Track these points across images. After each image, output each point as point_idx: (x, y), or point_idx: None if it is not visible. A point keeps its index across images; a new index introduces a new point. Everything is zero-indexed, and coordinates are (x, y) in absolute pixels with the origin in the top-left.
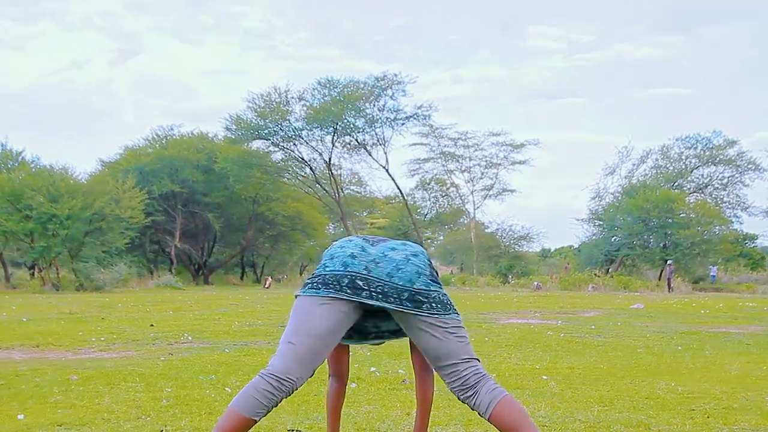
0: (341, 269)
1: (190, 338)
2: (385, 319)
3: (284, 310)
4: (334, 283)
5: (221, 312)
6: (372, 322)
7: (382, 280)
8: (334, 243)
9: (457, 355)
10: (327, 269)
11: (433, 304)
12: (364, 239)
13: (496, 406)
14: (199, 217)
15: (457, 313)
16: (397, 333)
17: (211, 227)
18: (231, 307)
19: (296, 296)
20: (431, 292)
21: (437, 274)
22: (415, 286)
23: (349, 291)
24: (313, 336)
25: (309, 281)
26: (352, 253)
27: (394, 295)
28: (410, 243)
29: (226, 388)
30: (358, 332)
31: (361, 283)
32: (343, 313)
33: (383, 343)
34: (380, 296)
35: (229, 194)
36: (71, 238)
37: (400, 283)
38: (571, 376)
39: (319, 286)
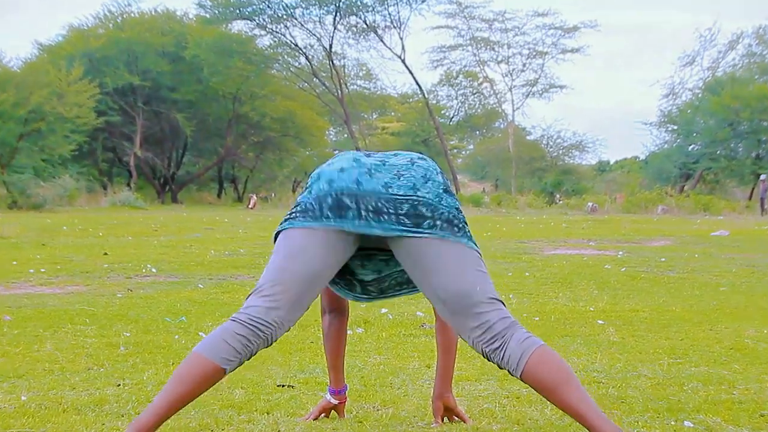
0: (325, 188)
1: (154, 270)
2: (388, 261)
3: (271, 236)
4: (315, 207)
5: (193, 238)
6: (371, 266)
7: (377, 192)
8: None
9: (475, 294)
10: (310, 193)
11: (438, 222)
12: (356, 152)
13: (528, 359)
14: (165, 118)
15: (471, 240)
16: (409, 283)
17: (181, 131)
18: (205, 232)
19: (274, 234)
20: (440, 207)
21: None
22: (419, 194)
23: (330, 215)
24: (293, 277)
25: (289, 212)
26: (342, 167)
27: (390, 210)
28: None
29: (200, 333)
30: (356, 283)
31: (347, 200)
32: (328, 247)
33: (389, 296)
34: (371, 215)
35: (203, 90)
36: (1, 143)
37: (400, 192)
38: (634, 320)
39: (296, 215)
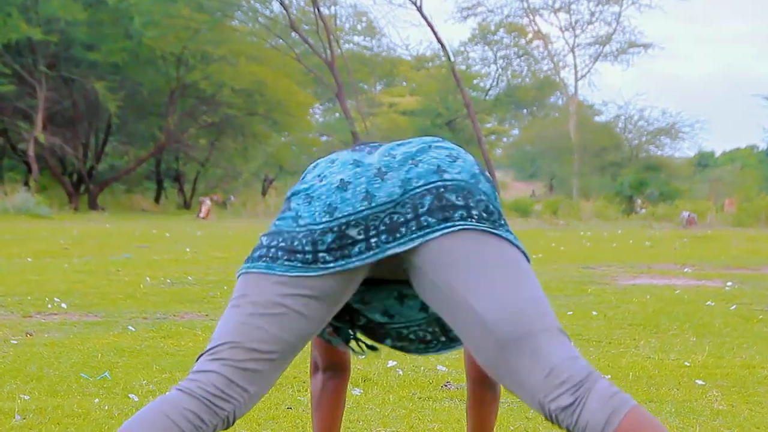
0: (324, 220)
1: (63, 306)
2: (404, 296)
3: (233, 258)
4: (305, 249)
5: (121, 260)
6: (377, 304)
7: (393, 199)
8: (308, 169)
9: (535, 320)
10: (296, 222)
11: (474, 213)
12: (353, 150)
13: (619, 427)
14: (79, 88)
15: (517, 240)
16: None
17: (102, 108)
18: (138, 252)
19: (239, 275)
20: (477, 191)
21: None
22: (446, 177)
23: (329, 258)
24: (264, 339)
25: (261, 245)
26: (342, 179)
27: (408, 215)
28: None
29: (130, 395)
30: (362, 318)
31: (354, 232)
32: (320, 299)
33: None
34: (382, 237)
35: (134, 48)
36: None
37: (420, 183)
38: (748, 381)
39: (275, 253)
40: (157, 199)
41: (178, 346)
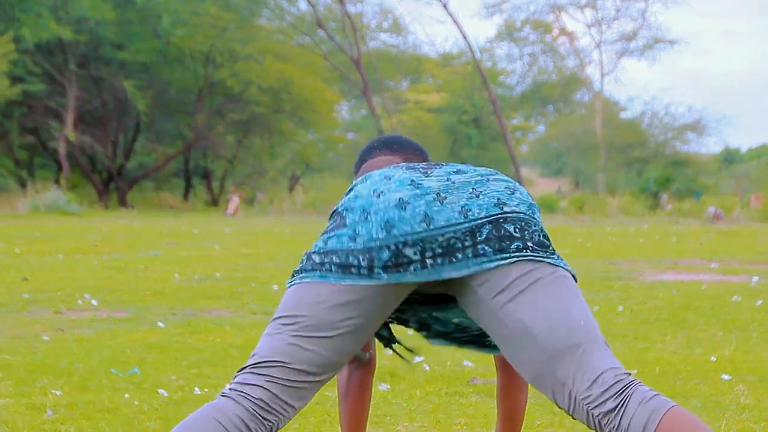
0: (381, 236)
1: (93, 302)
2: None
3: (260, 254)
4: (362, 264)
5: (149, 257)
6: (414, 316)
7: (453, 225)
8: (357, 182)
9: (581, 334)
10: (353, 239)
11: (530, 244)
12: (408, 169)
13: (658, 427)
14: (109, 87)
15: (566, 264)
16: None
17: (131, 106)
18: (167, 249)
19: (289, 285)
20: (533, 223)
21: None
22: (506, 209)
23: (383, 273)
24: (314, 359)
25: (313, 262)
26: (400, 198)
27: (467, 243)
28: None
29: (159, 390)
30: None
31: (410, 251)
32: (372, 311)
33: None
34: (438, 260)
35: (162, 48)
36: None
37: (482, 215)
38: None
39: (329, 266)
40: (185, 196)
41: (206, 342)
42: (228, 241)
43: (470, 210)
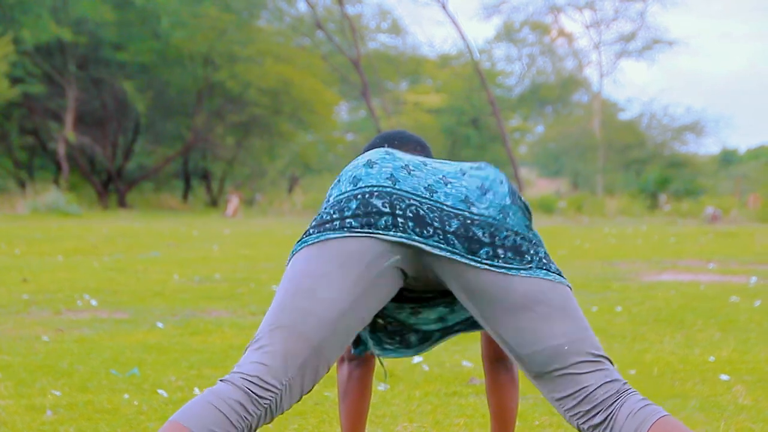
0: (348, 189)
1: (93, 303)
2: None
3: (260, 255)
4: (333, 216)
5: (149, 258)
6: (430, 313)
7: (418, 195)
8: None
9: (564, 351)
10: (327, 201)
11: (500, 252)
12: (389, 150)
13: None
14: (108, 88)
15: (551, 272)
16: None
17: (130, 108)
18: (166, 250)
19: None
20: (503, 229)
21: (528, 209)
22: (473, 210)
23: (355, 223)
24: (305, 319)
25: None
26: (369, 160)
27: (435, 223)
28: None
29: (159, 391)
30: (412, 334)
31: (378, 202)
32: (353, 264)
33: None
34: (410, 223)
35: (162, 49)
36: None
37: (448, 202)
38: None
39: (310, 230)
40: (184, 198)
41: (205, 343)
42: (227, 242)
43: (436, 192)
